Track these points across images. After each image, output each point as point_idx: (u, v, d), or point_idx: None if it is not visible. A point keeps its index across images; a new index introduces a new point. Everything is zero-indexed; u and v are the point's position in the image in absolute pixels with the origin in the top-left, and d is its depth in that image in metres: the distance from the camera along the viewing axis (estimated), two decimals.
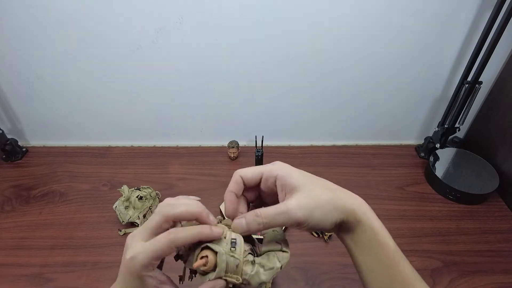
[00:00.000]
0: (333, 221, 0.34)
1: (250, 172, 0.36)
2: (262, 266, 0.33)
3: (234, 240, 0.32)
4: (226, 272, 0.31)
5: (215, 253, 0.31)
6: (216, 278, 0.31)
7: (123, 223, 0.71)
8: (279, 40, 0.77)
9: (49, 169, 0.89)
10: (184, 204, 0.33)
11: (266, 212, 0.32)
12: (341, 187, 0.36)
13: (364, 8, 0.72)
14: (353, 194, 0.36)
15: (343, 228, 0.36)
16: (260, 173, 0.36)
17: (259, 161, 0.84)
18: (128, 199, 0.71)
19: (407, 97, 0.89)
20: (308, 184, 0.34)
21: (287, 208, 0.32)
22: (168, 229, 0.32)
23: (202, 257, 0.31)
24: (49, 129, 0.95)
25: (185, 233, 0.31)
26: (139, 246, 0.31)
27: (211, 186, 0.84)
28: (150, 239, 0.31)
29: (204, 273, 0.32)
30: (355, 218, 0.34)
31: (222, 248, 0.31)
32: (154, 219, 0.32)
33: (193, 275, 0.36)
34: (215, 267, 0.31)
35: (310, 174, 0.36)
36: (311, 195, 0.33)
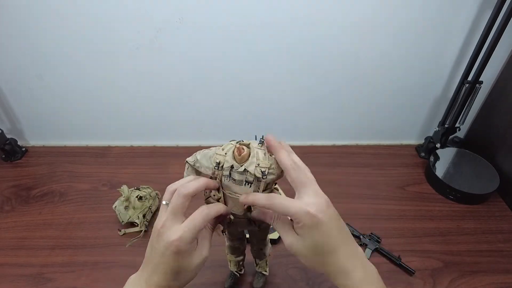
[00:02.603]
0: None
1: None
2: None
3: (262, 140, 0.39)
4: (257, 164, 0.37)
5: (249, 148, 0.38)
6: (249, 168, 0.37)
7: (123, 223, 0.71)
8: (280, 40, 0.77)
9: (49, 169, 0.89)
10: (192, 182, 0.38)
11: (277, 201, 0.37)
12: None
13: (364, 8, 0.72)
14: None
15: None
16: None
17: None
18: (127, 199, 0.71)
19: (408, 97, 0.89)
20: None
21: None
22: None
23: (239, 150, 0.37)
24: (48, 129, 0.95)
25: (214, 208, 0.38)
26: (179, 228, 0.36)
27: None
28: (183, 220, 0.37)
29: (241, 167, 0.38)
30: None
31: (253, 144, 0.39)
32: (178, 203, 0.36)
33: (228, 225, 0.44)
34: (247, 158, 0.38)
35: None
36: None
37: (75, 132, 0.96)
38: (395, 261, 0.66)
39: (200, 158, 0.42)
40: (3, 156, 0.91)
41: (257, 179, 0.38)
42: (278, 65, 0.81)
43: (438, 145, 0.89)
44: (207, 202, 0.42)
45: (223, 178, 0.39)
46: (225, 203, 0.42)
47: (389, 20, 0.74)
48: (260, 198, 0.37)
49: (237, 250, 0.55)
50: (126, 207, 0.71)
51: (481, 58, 0.73)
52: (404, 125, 0.96)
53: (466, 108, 0.82)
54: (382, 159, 0.93)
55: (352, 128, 0.96)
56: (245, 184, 0.38)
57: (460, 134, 0.94)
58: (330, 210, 0.36)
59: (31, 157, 0.93)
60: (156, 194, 0.77)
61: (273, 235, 0.69)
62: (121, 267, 0.65)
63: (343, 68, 0.82)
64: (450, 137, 0.91)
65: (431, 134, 0.93)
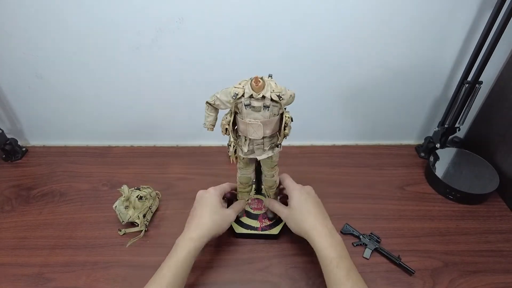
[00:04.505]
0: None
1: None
2: None
3: (271, 74, 0.51)
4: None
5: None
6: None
7: (123, 223, 0.71)
8: (279, 40, 0.77)
9: (49, 169, 0.89)
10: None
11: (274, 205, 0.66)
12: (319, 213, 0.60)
13: (364, 8, 0.72)
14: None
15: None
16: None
17: (258, 162, 0.84)
18: (128, 199, 0.71)
19: (407, 97, 0.89)
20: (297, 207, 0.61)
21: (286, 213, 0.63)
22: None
23: (256, 80, 0.47)
24: (49, 129, 0.95)
25: (233, 184, 0.69)
26: (212, 190, 0.64)
27: (211, 186, 0.83)
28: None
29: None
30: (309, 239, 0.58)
31: (265, 77, 0.49)
32: (223, 186, 0.67)
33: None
34: (263, 87, 0.48)
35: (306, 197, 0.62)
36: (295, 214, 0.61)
37: (75, 132, 0.96)
38: (395, 261, 0.66)
39: (220, 95, 0.51)
40: (4, 156, 0.91)
41: (273, 103, 0.49)
42: (278, 65, 0.81)
43: (438, 145, 0.89)
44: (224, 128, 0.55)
45: (243, 107, 0.49)
46: (243, 131, 0.53)
47: (389, 20, 0.74)
48: (268, 201, 0.68)
49: (246, 179, 0.65)
50: (127, 207, 0.71)
51: (481, 58, 0.74)
52: (404, 125, 0.96)
53: (466, 108, 0.82)
54: (382, 159, 0.93)
55: (352, 128, 0.96)
56: (263, 109, 0.49)
57: (460, 134, 0.94)
58: (302, 201, 0.61)
59: (31, 157, 0.94)
60: (156, 194, 0.77)
61: (274, 230, 0.69)
62: (121, 267, 0.65)
63: (343, 68, 0.82)
64: (450, 137, 0.91)
65: (431, 134, 0.93)
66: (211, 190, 0.63)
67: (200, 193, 0.63)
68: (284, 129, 0.53)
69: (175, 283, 0.51)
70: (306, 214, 0.58)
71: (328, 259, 0.53)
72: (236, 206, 0.65)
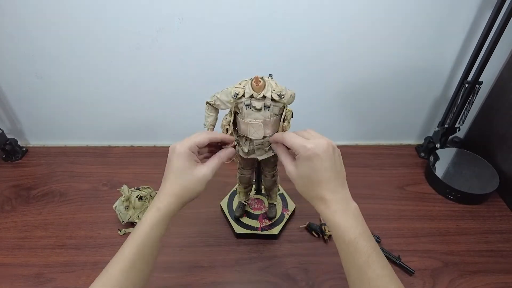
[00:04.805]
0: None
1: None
2: None
3: (271, 75, 0.51)
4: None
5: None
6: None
7: (123, 223, 0.71)
8: (279, 40, 0.77)
9: (49, 169, 0.89)
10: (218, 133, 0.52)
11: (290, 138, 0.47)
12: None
13: (364, 8, 0.72)
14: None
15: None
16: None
17: (258, 162, 0.84)
18: (128, 199, 0.71)
19: (407, 97, 0.89)
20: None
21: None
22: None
23: (256, 80, 0.47)
24: (49, 129, 0.95)
25: (216, 134, 0.50)
26: (186, 139, 0.47)
27: (211, 186, 0.83)
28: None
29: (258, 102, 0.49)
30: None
31: (265, 78, 0.49)
32: (198, 136, 0.47)
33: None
34: (263, 87, 0.48)
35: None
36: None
37: (75, 132, 0.96)
38: (395, 261, 0.66)
39: (220, 95, 0.51)
40: (4, 156, 0.91)
41: (274, 103, 0.48)
42: (278, 65, 0.81)
43: (438, 145, 0.89)
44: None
45: (243, 107, 0.49)
46: (244, 131, 0.52)
47: (389, 20, 0.74)
48: (277, 134, 0.51)
49: (246, 179, 0.65)
50: (127, 207, 0.71)
51: (481, 58, 0.74)
52: (404, 125, 0.96)
53: (466, 108, 0.82)
54: (382, 159, 0.93)
55: (352, 128, 0.96)
56: (264, 109, 0.49)
57: (460, 134, 0.94)
58: (327, 151, 0.44)
59: (31, 157, 0.93)
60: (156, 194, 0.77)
61: (274, 230, 0.69)
62: None
63: (343, 68, 0.82)
64: (450, 137, 0.91)
65: (431, 134, 0.93)
66: (178, 146, 0.47)
67: (170, 148, 0.48)
68: (283, 122, 0.52)
69: (139, 262, 0.46)
70: (315, 181, 0.45)
71: (341, 239, 0.45)
72: (212, 162, 0.50)
